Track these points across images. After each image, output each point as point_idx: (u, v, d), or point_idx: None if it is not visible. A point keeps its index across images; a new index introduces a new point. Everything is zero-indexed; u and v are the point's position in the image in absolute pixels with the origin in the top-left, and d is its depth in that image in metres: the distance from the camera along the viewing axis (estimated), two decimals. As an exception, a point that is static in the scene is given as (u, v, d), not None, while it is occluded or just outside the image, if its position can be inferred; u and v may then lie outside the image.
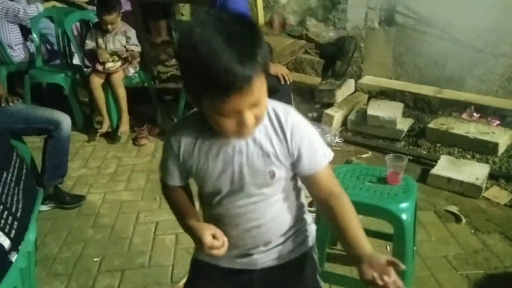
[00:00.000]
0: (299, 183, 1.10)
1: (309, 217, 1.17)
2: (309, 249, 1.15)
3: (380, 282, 0.85)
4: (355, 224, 0.97)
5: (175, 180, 1.07)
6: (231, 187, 1.00)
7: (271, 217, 1.04)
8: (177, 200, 1.09)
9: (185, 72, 0.88)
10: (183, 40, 0.88)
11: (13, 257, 0.95)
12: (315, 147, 1.01)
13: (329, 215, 1.00)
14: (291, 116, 1.00)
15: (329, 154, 1.03)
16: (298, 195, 1.11)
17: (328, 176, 1.02)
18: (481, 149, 2.86)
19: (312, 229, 1.16)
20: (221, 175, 0.99)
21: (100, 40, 3.29)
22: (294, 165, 1.01)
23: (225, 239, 0.99)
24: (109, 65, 3.22)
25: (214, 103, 0.86)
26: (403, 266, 0.86)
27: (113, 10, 3.21)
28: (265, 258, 1.09)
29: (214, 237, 0.98)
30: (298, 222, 1.11)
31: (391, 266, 0.86)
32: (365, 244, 0.94)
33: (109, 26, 3.22)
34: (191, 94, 0.91)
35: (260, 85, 0.86)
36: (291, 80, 3.01)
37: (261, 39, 0.87)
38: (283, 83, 2.92)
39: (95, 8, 3.82)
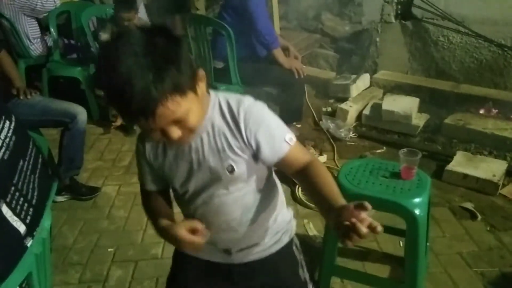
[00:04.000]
0: (272, 178, 1.09)
1: (288, 213, 1.16)
2: (286, 245, 1.14)
3: (350, 224, 0.78)
4: (328, 183, 0.94)
5: (150, 184, 1.07)
6: (195, 185, 1.00)
7: (241, 213, 1.03)
8: (153, 206, 1.07)
9: (100, 87, 0.89)
10: (100, 54, 0.88)
11: (28, 242, 0.98)
12: (274, 133, 0.96)
13: (305, 184, 0.99)
14: (244, 105, 0.95)
15: (290, 139, 0.97)
16: (270, 189, 1.09)
17: (296, 155, 0.98)
18: (498, 145, 2.81)
19: (291, 225, 1.15)
20: (183, 174, 1.00)
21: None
22: (256, 155, 0.97)
23: (200, 225, 0.95)
24: None
25: (130, 121, 0.87)
26: (369, 206, 0.80)
27: (131, 7, 3.23)
28: (241, 255, 1.10)
29: (193, 232, 0.94)
30: (274, 217, 1.10)
31: (360, 209, 0.80)
32: (338, 199, 0.89)
33: (126, 23, 3.23)
34: None
35: (177, 104, 0.83)
36: (305, 74, 3.00)
37: (178, 54, 0.83)
38: (297, 77, 2.92)
39: (111, 1, 3.86)
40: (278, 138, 0.96)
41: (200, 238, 0.94)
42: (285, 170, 1.01)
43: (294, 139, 0.99)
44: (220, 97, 0.98)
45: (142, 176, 1.07)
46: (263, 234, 1.09)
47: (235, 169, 0.97)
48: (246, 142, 0.95)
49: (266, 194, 1.07)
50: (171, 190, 1.10)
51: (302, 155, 1.00)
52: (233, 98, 0.98)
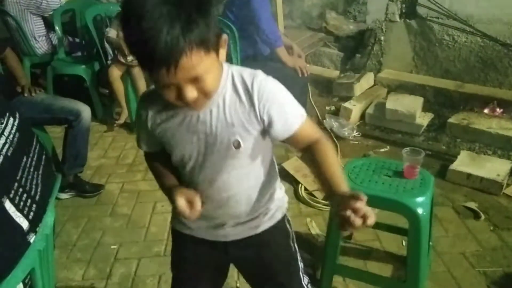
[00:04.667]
0: (272, 154, 1.09)
1: (281, 190, 1.17)
2: (279, 220, 1.15)
3: (347, 215, 0.80)
4: (333, 163, 0.95)
5: (148, 146, 1.07)
6: (197, 156, 0.99)
7: (241, 189, 1.04)
8: (156, 165, 1.09)
9: (124, 35, 0.84)
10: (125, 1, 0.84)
11: (31, 238, 0.99)
12: (287, 108, 0.96)
13: (310, 161, 0.99)
14: (258, 79, 0.94)
15: (302, 115, 0.99)
16: (270, 167, 1.09)
17: (306, 131, 0.99)
18: (503, 145, 2.79)
19: (283, 201, 1.17)
20: (187, 144, 0.98)
21: (121, 32, 3.31)
22: (266, 130, 0.97)
23: (199, 203, 0.97)
24: (131, 57, 3.25)
25: (151, 74, 0.84)
26: (363, 197, 0.81)
27: None
28: (236, 231, 1.10)
29: (189, 202, 0.96)
30: (270, 195, 1.11)
31: (353, 199, 0.82)
32: (341, 182, 0.92)
33: None
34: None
35: (200, 60, 0.82)
36: (308, 73, 3.00)
37: (208, 9, 0.82)
38: (300, 75, 2.91)
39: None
40: (290, 113, 0.97)
41: (193, 213, 0.96)
42: (293, 145, 1.02)
43: (305, 115, 0.99)
44: (233, 70, 0.97)
45: (139, 138, 1.07)
46: (258, 210, 1.10)
47: (242, 144, 0.96)
48: (259, 116, 0.95)
49: (266, 171, 1.08)
50: None
51: (312, 131, 1.01)
52: (247, 71, 0.97)
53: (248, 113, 0.95)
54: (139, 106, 1.03)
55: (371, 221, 0.81)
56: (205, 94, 0.88)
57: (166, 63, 0.79)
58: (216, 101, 0.94)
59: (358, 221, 0.80)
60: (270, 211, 1.13)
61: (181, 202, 0.96)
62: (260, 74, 0.96)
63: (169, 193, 1.00)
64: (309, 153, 0.99)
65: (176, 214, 1.01)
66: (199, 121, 0.96)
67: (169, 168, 1.07)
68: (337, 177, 0.93)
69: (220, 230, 1.10)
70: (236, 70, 0.97)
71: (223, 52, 0.90)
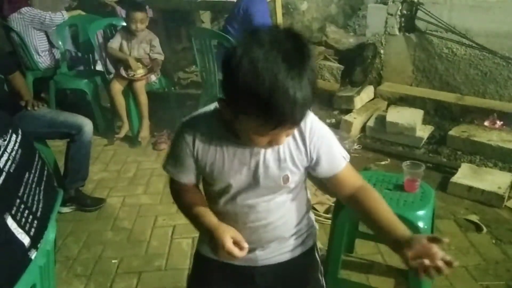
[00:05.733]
0: (305, 182, 1.10)
1: (312, 217, 1.18)
2: (310, 248, 1.15)
3: (428, 263, 0.82)
4: (386, 210, 0.97)
5: (189, 177, 1.03)
6: (244, 186, 1.00)
7: (278, 217, 1.04)
8: (191, 198, 1.05)
9: (235, 92, 0.83)
10: (242, 59, 0.80)
11: (33, 254, 0.99)
12: (334, 149, 1.01)
13: (359, 208, 1.00)
14: (309, 118, 0.98)
15: (347, 156, 1.03)
16: (305, 196, 1.12)
17: (350, 173, 1.03)
18: (504, 158, 2.80)
19: (314, 229, 1.17)
20: (236, 174, 0.98)
21: (125, 45, 3.35)
22: (313, 168, 1.01)
23: (246, 245, 0.95)
24: (133, 72, 3.28)
25: (259, 127, 0.84)
26: (446, 240, 0.84)
27: (143, 9, 3.28)
28: (267, 255, 1.09)
29: (234, 242, 0.94)
30: (303, 222, 1.12)
31: (433, 243, 0.85)
32: (401, 227, 0.93)
33: (138, 25, 3.23)
34: (233, 109, 0.87)
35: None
36: None
37: (313, 62, 0.85)
38: None
39: (122, 11, 3.92)
40: (337, 154, 1.01)
41: (240, 253, 0.93)
42: (337, 189, 1.04)
43: (348, 159, 1.03)
44: None
45: (181, 168, 1.02)
46: (288, 232, 1.09)
47: (290, 179, 0.99)
48: (308, 154, 0.99)
49: (301, 200, 1.10)
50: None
51: (355, 176, 1.04)
52: None
53: (300, 150, 0.98)
54: (183, 135, 0.98)
55: (455, 263, 0.82)
56: (288, 136, 0.93)
57: (291, 119, 0.82)
58: None
59: (442, 267, 0.81)
60: (302, 235, 1.12)
61: (230, 243, 0.93)
62: (311, 114, 0.99)
63: (211, 230, 0.96)
64: (357, 200, 1.01)
65: (219, 255, 0.95)
66: (252, 154, 0.97)
67: (205, 201, 1.06)
68: (394, 221, 0.95)
69: (251, 254, 1.07)
70: None
71: None
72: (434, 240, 0.85)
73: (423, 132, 3.15)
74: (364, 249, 2.13)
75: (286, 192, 1.03)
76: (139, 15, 3.23)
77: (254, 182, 0.99)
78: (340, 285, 1.82)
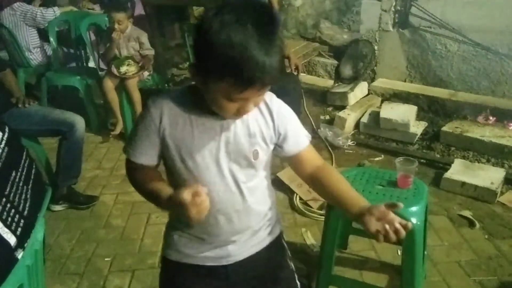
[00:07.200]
0: (269, 170, 1.12)
1: (276, 206, 1.18)
2: (278, 236, 1.16)
3: (387, 227, 0.89)
4: (346, 187, 1.03)
5: (150, 158, 0.99)
6: (215, 164, 0.97)
7: (251, 202, 1.03)
8: (149, 180, 1.00)
9: (206, 54, 0.84)
10: (213, 21, 0.82)
11: (19, 254, 0.97)
12: (299, 127, 1.07)
13: (320, 186, 1.06)
14: (275, 98, 1.04)
15: (308, 135, 1.09)
16: (269, 183, 1.13)
17: (312, 153, 1.08)
18: (496, 153, 2.80)
19: (279, 215, 1.19)
20: (206, 150, 0.97)
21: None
22: (279, 145, 1.05)
23: (203, 188, 0.87)
24: (124, 68, 3.25)
25: (228, 89, 0.85)
26: (401, 205, 0.91)
27: (122, 9, 3.23)
28: (240, 249, 1.08)
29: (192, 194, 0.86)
30: (270, 210, 1.12)
31: (391, 209, 0.91)
32: (362, 200, 0.99)
33: (116, 25, 3.18)
34: (202, 75, 0.88)
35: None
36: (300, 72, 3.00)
37: (282, 31, 0.89)
38: (295, 73, 2.90)
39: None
40: (301, 132, 1.07)
41: (205, 200, 0.86)
42: (299, 168, 1.08)
43: (310, 138, 1.09)
44: None
45: (141, 149, 0.98)
46: (260, 222, 1.09)
47: (259, 155, 1.01)
48: (276, 129, 1.02)
49: (268, 186, 1.11)
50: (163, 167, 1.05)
51: (316, 155, 1.09)
52: None
53: (268, 126, 1.02)
54: (149, 111, 0.96)
55: (409, 225, 0.89)
56: (256, 106, 0.95)
57: (260, 82, 0.84)
58: None
59: (393, 237, 0.90)
60: (270, 224, 1.13)
61: (189, 196, 0.85)
62: (274, 95, 1.05)
63: (170, 200, 0.90)
64: (319, 178, 1.05)
65: (183, 217, 0.87)
66: (222, 129, 0.97)
67: (163, 180, 1.02)
68: (355, 195, 1.00)
69: (223, 249, 1.06)
70: None
71: None
72: (391, 206, 0.92)
73: (417, 128, 3.15)
74: (358, 245, 2.13)
75: (256, 174, 1.03)
76: (116, 15, 3.18)
77: (225, 157, 0.98)
78: (334, 281, 1.82)
